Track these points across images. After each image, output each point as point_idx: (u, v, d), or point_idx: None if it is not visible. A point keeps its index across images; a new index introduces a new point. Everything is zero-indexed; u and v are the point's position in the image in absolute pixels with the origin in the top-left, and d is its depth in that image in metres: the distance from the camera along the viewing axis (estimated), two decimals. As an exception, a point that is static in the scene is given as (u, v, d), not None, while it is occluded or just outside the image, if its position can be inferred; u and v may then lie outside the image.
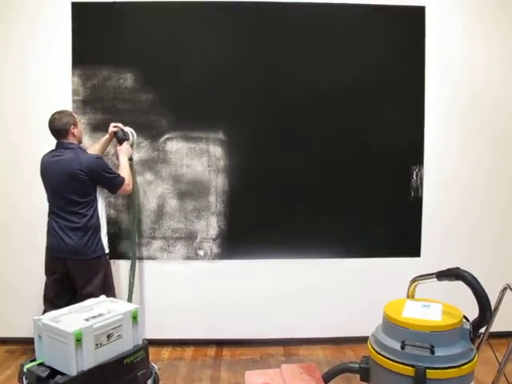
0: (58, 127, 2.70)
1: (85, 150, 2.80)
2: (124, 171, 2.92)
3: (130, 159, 3.09)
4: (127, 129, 3.09)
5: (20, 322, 3.09)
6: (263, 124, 3.23)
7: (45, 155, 2.78)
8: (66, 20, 3.12)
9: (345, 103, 3.23)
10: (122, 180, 2.85)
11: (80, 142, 2.83)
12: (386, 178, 3.27)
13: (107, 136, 3.06)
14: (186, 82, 3.18)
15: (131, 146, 3.11)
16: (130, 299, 3.13)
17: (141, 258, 3.24)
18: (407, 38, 3.23)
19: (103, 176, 2.74)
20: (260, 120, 3.23)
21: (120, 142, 3.06)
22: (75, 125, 2.75)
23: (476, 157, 3.30)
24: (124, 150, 3.03)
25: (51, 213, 2.76)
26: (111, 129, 3.04)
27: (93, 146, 3.09)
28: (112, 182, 2.81)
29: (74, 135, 2.73)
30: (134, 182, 3.10)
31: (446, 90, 3.25)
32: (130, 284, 3.16)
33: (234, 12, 3.16)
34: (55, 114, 2.74)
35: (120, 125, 3.05)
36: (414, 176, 3.26)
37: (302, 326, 3.30)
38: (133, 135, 3.12)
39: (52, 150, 2.76)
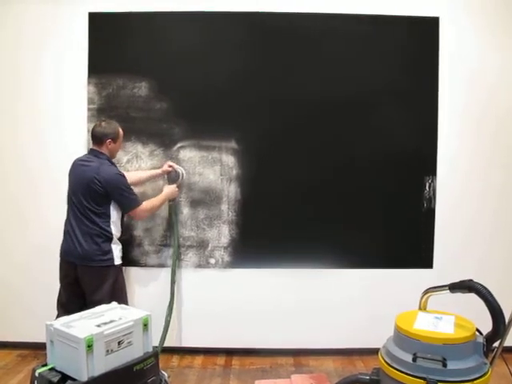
0: (97, 134, 2.78)
1: (113, 163, 2.83)
2: (153, 202, 2.93)
3: (172, 200, 3.13)
4: (180, 169, 3.14)
5: (31, 326, 3.09)
6: (276, 134, 3.24)
7: (77, 158, 2.84)
8: (83, 29, 3.18)
9: (358, 113, 3.22)
10: (138, 203, 2.81)
11: (112, 157, 2.85)
12: (398, 189, 3.26)
13: (159, 171, 3.13)
14: (199, 92, 3.21)
15: (178, 186, 3.14)
16: (171, 306, 3.15)
17: (152, 266, 3.26)
18: (421, 48, 3.23)
19: (119, 192, 2.73)
20: (273, 130, 3.24)
21: (170, 181, 3.12)
22: (114, 140, 2.80)
23: (490, 167, 3.27)
24: (170, 192, 3.07)
25: (69, 215, 2.79)
26: (166, 168, 3.11)
27: (138, 171, 3.15)
28: (126, 201, 2.78)
29: (107, 147, 2.78)
30: (172, 221, 3.17)
31: (460, 101, 3.23)
32: (171, 292, 3.18)
33: (248, 23, 3.19)
34: (103, 121, 2.85)
35: (175, 165, 3.11)
36: (427, 187, 3.24)
37: (312, 336, 3.28)
38: (183, 176, 3.16)
39: (84, 155, 2.87)
